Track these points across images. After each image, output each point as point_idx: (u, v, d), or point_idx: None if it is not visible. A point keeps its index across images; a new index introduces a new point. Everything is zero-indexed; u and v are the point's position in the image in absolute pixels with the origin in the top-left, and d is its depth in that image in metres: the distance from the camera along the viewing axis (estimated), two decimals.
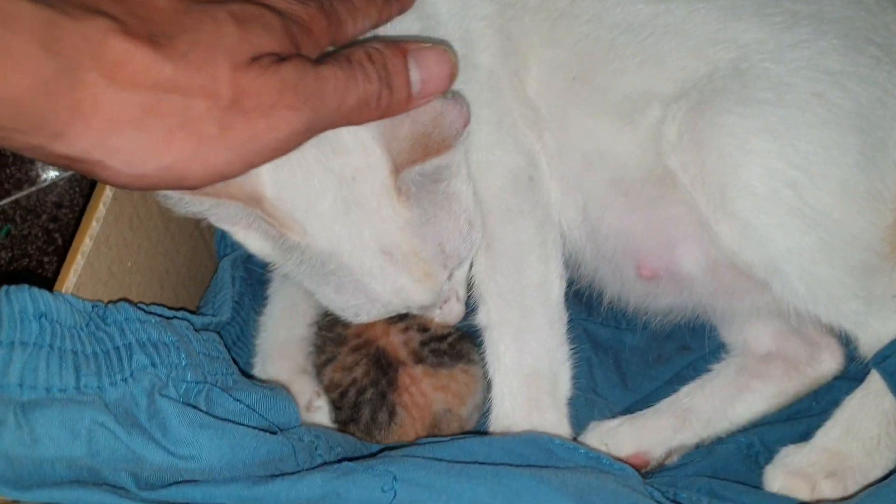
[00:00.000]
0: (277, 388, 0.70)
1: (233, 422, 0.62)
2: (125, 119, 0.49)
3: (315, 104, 0.54)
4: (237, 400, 0.63)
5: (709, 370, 0.87)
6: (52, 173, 1.30)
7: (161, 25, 0.50)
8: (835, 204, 0.74)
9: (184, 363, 0.63)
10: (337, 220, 0.70)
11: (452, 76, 0.64)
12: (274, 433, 0.64)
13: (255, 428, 0.62)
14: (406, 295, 0.73)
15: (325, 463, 0.66)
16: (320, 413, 0.83)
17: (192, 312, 0.78)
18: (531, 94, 0.83)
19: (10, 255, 1.18)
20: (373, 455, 0.69)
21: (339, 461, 0.65)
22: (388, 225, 0.70)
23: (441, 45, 0.65)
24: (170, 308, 0.74)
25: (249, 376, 0.78)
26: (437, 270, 0.73)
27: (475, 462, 0.65)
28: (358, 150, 0.69)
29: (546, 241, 0.81)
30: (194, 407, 0.61)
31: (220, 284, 0.86)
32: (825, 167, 0.74)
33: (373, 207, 0.70)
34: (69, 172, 1.28)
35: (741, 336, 0.90)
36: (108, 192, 0.72)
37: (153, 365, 0.61)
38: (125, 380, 0.59)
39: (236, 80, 0.51)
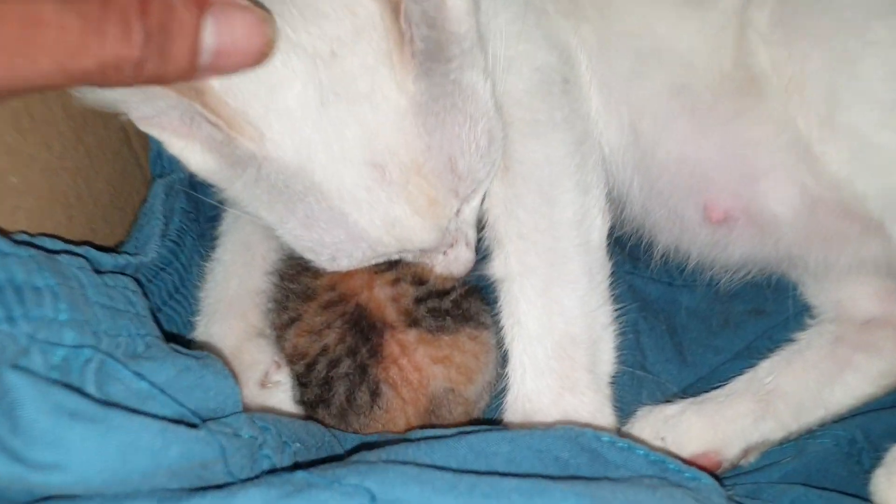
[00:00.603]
0: (210, 357, 0.49)
1: (131, 410, 0.41)
2: None
3: (14, 59, 0.37)
4: (140, 376, 0.42)
5: (791, 340, 0.69)
6: None
7: None
8: None
9: (63, 318, 0.43)
10: (307, 117, 0.52)
11: (262, 54, 0.46)
12: (194, 425, 0.43)
13: (165, 419, 0.41)
14: (401, 231, 0.56)
15: (274, 470, 0.46)
16: (279, 392, 0.62)
17: (107, 250, 0.58)
18: None
19: None
20: (346, 455, 0.48)
21: (294, 468, 0.44)
22: (383, 116, 0.52)
23: (259, 9, 0.46)
24: (84, 244, 0.53)
25: (183, 342, 0.56)
26: (444, 197, 0.56)
27: (491, 472, 0.44)
28: (340, 9, 0.51)
29: (585, 164, 0.63)
30: (74, 388, 0.40)
31: (149, 214, 0.65)
32: None
33: (363, 92, 0.52)
34: None
35: (835, 296, 0.71)
36: None
37: (10, 319, 0.40)
38: None
39: None
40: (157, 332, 0.50)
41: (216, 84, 0.50)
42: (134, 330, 0.48)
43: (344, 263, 0.58)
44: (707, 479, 0.51)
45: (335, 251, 0.57)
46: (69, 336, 0.42)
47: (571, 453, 0.49)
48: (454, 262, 0.63)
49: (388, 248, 0.57)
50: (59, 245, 0.50)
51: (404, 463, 0.44)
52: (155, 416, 0.41)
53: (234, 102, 0.50)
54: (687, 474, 0.50)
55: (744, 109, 0.62)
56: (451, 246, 0.62)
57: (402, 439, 0.51)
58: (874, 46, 0.57)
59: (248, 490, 0.40)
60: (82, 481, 0.38)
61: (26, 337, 0.40)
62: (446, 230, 0.59)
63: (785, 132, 0.61)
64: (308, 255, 0.58)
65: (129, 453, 0.39)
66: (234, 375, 0.50)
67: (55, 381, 0.40)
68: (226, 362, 0.61)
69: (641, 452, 0.51)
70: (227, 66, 0.45)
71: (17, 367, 0.39)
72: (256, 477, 0.44)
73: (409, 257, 0.63)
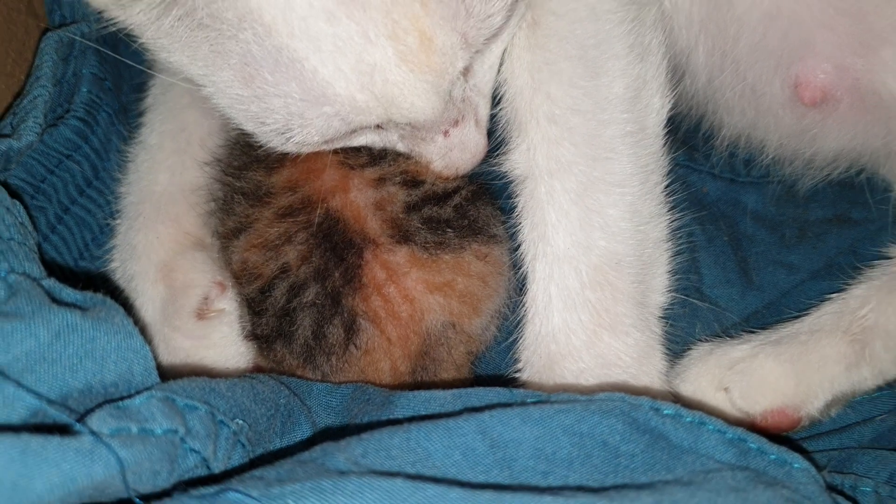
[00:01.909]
0: (105, 308, 0.34)
1: None
2: None
3: None
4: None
5: (887, 258, 0.54)
6: None
7: None
8: None
9: None
10: None
11: None
12: (69, 430, 0.28)
13: (21, 427, 0.27)
14: (383, 88, 0.42)
15: (198, 480, 0.31)
16: (222, 324, 0.50)
17: None
18: None
19: None
20: (301, 444, 0.34)
21: (224, 477, 0.30)
22: None
23: None
24: None
25: (73, 277, 0.41)
26: (446, 37, 0.42)
27: (520, 487, 0.30)
28: None
29: (642, 20, 0.49)
30: None
31: (34, 79, 0.48)
32: None
33: None
34: None
35: None
36: None
37: None
38: None
39: None
40: (31, 264, 0.35)
41: None
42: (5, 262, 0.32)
43: (300, 139, 0.44)
44: (800, 463, 0.39)
45: (287, 119, 0.43)
46: None
47: (623, 436, 0.37)
48: (459, 150, 0.49)
49: (365, 116, 0.43)
50: None
51: (388, 474, 0.29)
52: (6, 427, 0.26)
53: None
54: (772, 456, 0.39)
55: None
56: (456, 124, 0.48)
57: (386, 421, 0.36)
58: None
59: None
60: None
61: None
62: (450, 96, 0.45)
63: None
64: (250, 127, 0.45)
65: None
66: (144, 329, 0.35)
67: None
68: (142, 292, 0.48)
69: (713, 428, 0.38)
70: None
71: None
72: (172, 492, 0.29)
73: (395, 141, 0.49)
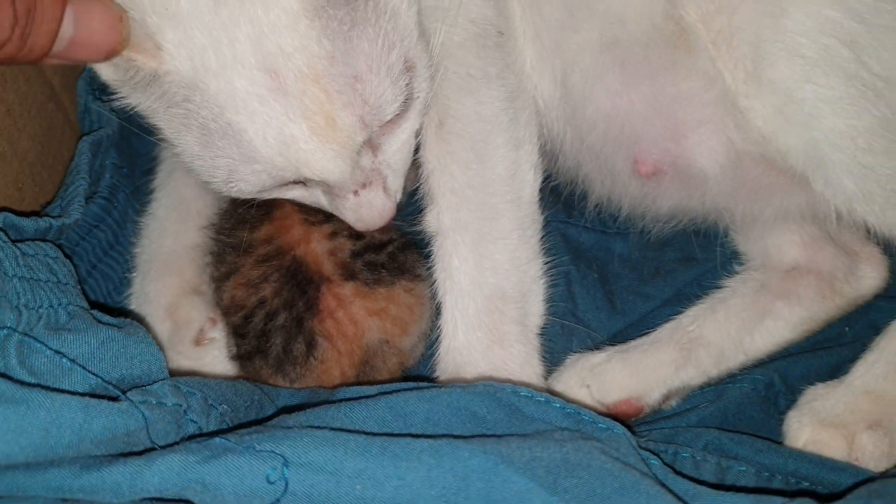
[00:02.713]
0: (131, 325, 0.50)
1: (52, 389, 0.42)
2: None
3: None
4: (57, 352, 0.43)
5: (719, 288, 0.71)
6: None
7: None
8: None
9: None
10: (200, 21, 0.50)
11: (113, 52, 0.49)
12: (115, 398, 0.44)
13: (86, 395, 0.43)
14: (296, 153, 0.52)
15: (197, 435, 0.47)
16: (214, 349, 0.64)
17: (33, 214, 0.58)
18: None
19: None
20: (267, 419, 0.50)
21: (213, 434, 0.46)
22: (277, 15, 0.49)
23: (117, 6, 0.48)
24: (2, 212, 0.53)
25: (106, 309, 0.57)
26: (346, 119, 0.52)
27: (408, 434, 0.46)
28: None
29: (518, 120, 0.63)
30: None
31: (73, 173, 0.64)
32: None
33: None
34: None
35: (762, 245, 0.73)
36: None
37: None
38: None
39: None
40: (80, 300, 0.51)
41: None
42: (55, 300, 0.49)
43: (240, 187, 0.55)
44: (619, 429, 0.53)
45: (230, 173, 0.54)
46: None
47: (489, 409, 0.51)
48: (367, 208, 0.59)
49: (284, 171, 0.54)
50: None
51: (320, 427, 0.45)
52: (77, 393, 0.42)
53: (134, 12, 0.49)
54: (601, 425, 0.52)
55: (673, 64, 0.62)
56: (364, 186, 0.58)
57: (324, 401, 0.52)
58: (800, 1, 0.57)
59: (167, 456, 0.42)
60: (4, 457, 0.39)
61: None
62: (356, 165, 0.55)
63: (712, 87, 0.61)
64: (205, 178, 0.56)
65: (51, 429, 0.40)
66: (159, 343, 0.51)
67: None
68: (149, 324, 0.63)
69: (558, 405, 0.53)
70: (78, 56, 0.48)
71: None
72: (177, 443, 0.45)
73: (320, 196, 0.60)
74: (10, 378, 0.41)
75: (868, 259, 0.71)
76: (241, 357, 0.64)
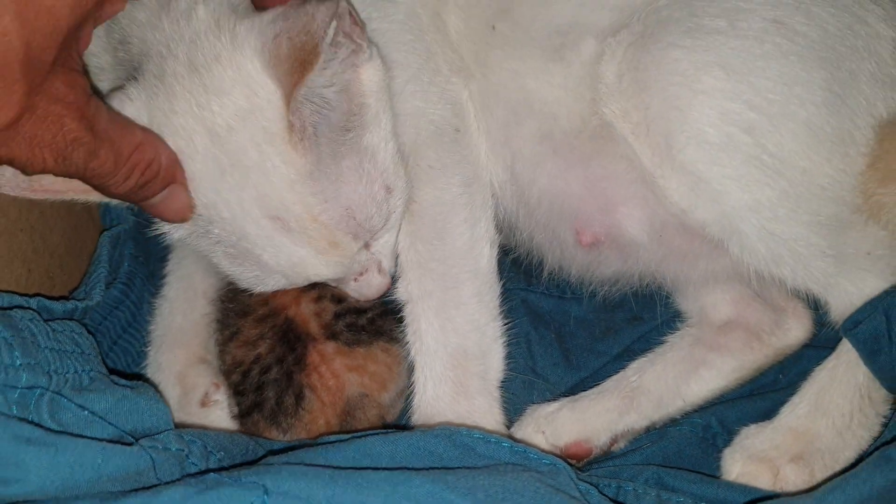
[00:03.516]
0: (143, 386, 0.60)
1: (76, 435, 0.51)
2: None
3: (71, 167, 0.53)
4: (81, 407, 0.53)
5: (662, 343, 0.80)
6: None
7: None
8: (799, 150, 0.66)
9: (17, 363, 0.53)
10: (211, 183, 0.61)
11: (172, 222, 0.65)
12: (130, 444, 0.53)
13: (104, 440, 0.52)
14: (305, 268, 0.64)
15: (197, 473, 0.56)
16: (217, 409, 0.73)
17: (62, 299, 0.68)
18: (453, 39, 0.74)
19: None
20: (257, 461, 0.59)
21: (206, 472, 0.55)
22: (274, 181, 0.60)
23: (191, 200, 0.62)
24: (39, 296, 0.63)
25: (121, 374, 0.67)
26: (344, 240, 0.63)
27: (376, 467, 0.55)
28: (240, 87, 0.59)
29: (473, 202, 0.72)
30: (29, 421, 0.51)
31: (95, 262, 0.75)
32: (787, 107, 0.66)
33: (254, 161, 0.60)
34: None
35: (697, 304, 0.81)
36: None
37: None
38: None
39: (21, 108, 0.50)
40: (100, 367, 0.61)
41: None
42: (79, 367, 0.58)
43: (263, 289, 0.67)
44: (561, 466, 0.61)
45: (254, 280, 0.66)
46: (24, 377, 0.53)
47: (445, 448, 0.59)
48: (365, 287, 0.69)
49: (297, 280, 0.66)
50: (11, 301, 0.61)
51: (296, 464, 0.54)
52: (97, 439, 0.52)
53: None
54: (545, 461, 0.61)
55: (600, 150, 0.70)
56: (363, 273, 0.69)
57: (305, 444, 0.61)
58: (702, 95, 0.65)
59: (170, 489, 0.51)
60: (39, 490, 0.49)
61: None
62: (351, 264, 0.66)
63: (634, 169, 0.69)
64: (237, 282, 0.68)
65: (76, 467, 0.50)
66: (165, 401, 0.61)
67: (14, 416, 0.50)
68: (162, 389, 0.72)
69: (507, 445, 0.61)
70: (153, 213, 0.63)
71: None
72: (177, 480, 0.54)
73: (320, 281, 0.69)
74: (42, 427, 0.51)
75: (793, 313, 0.78)
76: (241, 415, 0.74)
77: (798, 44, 0.66)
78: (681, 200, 0.68)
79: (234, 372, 0.75)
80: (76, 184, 0.59)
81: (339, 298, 0.76)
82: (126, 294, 0.78)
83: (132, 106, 0.60)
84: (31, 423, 0.51)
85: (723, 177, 0.66)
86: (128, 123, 0.58)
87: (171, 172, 0.60)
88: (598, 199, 0.72)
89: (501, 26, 0.72)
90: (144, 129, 0.59)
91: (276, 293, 0.74)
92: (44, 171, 0.52)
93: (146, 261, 0.83)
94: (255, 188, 0.60)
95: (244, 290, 0.73)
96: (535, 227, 0.76)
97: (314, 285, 0.74)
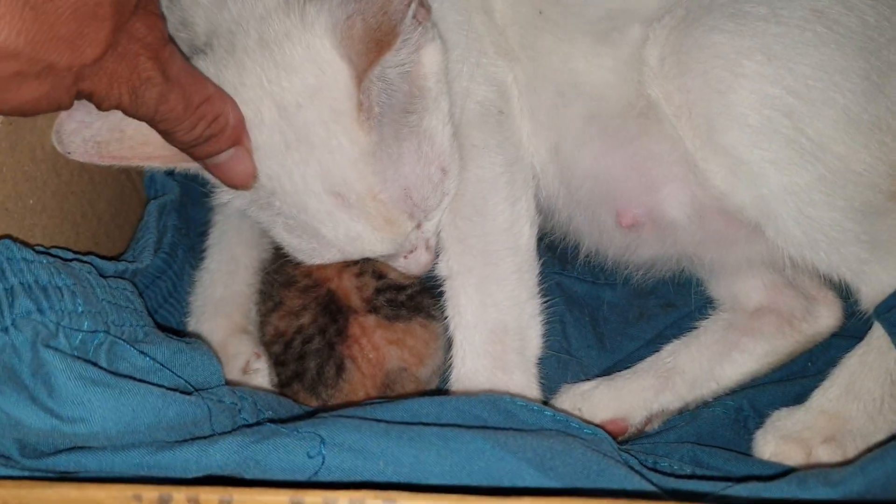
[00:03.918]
0: (196, 342, 0.61)
1: (137, 379, 0.52)
2: None
3: (142, 107, 0.56)
4: (144, 354, 0.54)
5: (694, 328, 0.80)
6: None
7: None
8: (836, 136, 0.67)
9: (80, 310, 0.54)
10: (276, 156, 0.63)
11: (234, 185, 0.65)
12: (188, 393, 0.54)
13: (164, 387, 0.53)
14: (361, 244, 0.67)
15: (247, 426, 0.57)
16: (259, 376, 0.74)
17: (109, 259, 0.70)
18: (499, 23, 0.76)
19: None
20: (306, 416, 0.60)
21: (261, 423, 0.56)
22: (338, 158, 0.62)
23: (254, 167, 0.64)
24: (89, 255, 0.65)
25: (172, 332, 0.68)
26: (400, 218, 0.66)
27: (420, 423, 0.55)
28: (309, 65, 0.61)
29: (514, 180, 0.73)
30: (91, 363, 0.52)
31: (143, 229, 0.77)
32: (826, 93, 0.67)
33: (320, 138, 0.62)
34: None
35: (730, 290, 0.82)
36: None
37: (40, 311, 0.52)
38: (5, 329, 0.51)
39: (107, 45, 0.52)
40: (152, 323, 0.62)
41: None
42: (134, 321, 0.60)
43: (318, 261, 0.69)
44: (602, 434, 0.62)
45: (310, 253, 0.68)
46: (86, 323, 0.54)
47: (490, 413, 0.60)
48: (413, 263, 0.72)
49: (353, 254, 0.68)
50: (70, 255, 0.62)
51: (350, 417, 0.55)
52: (156, 385, 0.53)
53: None
54: (586, 430, 0.62)
55: (645, 131, 0.72)
56: (412, 251, 0.71)
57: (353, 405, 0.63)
58: (743, 79, 0.66)
59: (227, 438, 0.52)
60: (102, 432, 0.50)
61: (54, 324, 0.52)
62: (404, 241, 0.68)
63: (677, 150, 0.70)
64: (292, 252, 0.70)
65: (137, 411, 0.51)
66: (217, 357, 0.62)
67: (79, 358, 0.52)
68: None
69: (549, 413, 0.62)
70: (215, 173, 0.64)
71: (49, 346, 0.50)
72: (233, 431, 0.55)
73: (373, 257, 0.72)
74: (105, 370, 0.52)
75: (824, 301, 0.80)
76: (281, 384, 0.75)
77: (837, 33, 0.68)
78: (720, 183, 0.69)
79: (275, 343, 0.76)
80: (140, 150, 0.62)
81: (379, 274, 0.77)
82: (168, 264, 0.79)
83: None
84: (96, 365, 0.52)
85: (762, 160, 0.67)
86: (200, 76, 0.60)
87: (237, 132, 0.61)
88: (642, 179, 0.73)
89: (550, 11, 0.74)
90: (216, 86, 0.60)
91: (319, 267, 0.76)
92: (118, 107, 0.54)
93: (188, 234, 0.84)
94: (318, 164, 0.62)
95: (289, 262, 0.75)
96: (575, 209, 0.77)
97: (355, 260, 0.76)
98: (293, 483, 0.48)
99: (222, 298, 0.79)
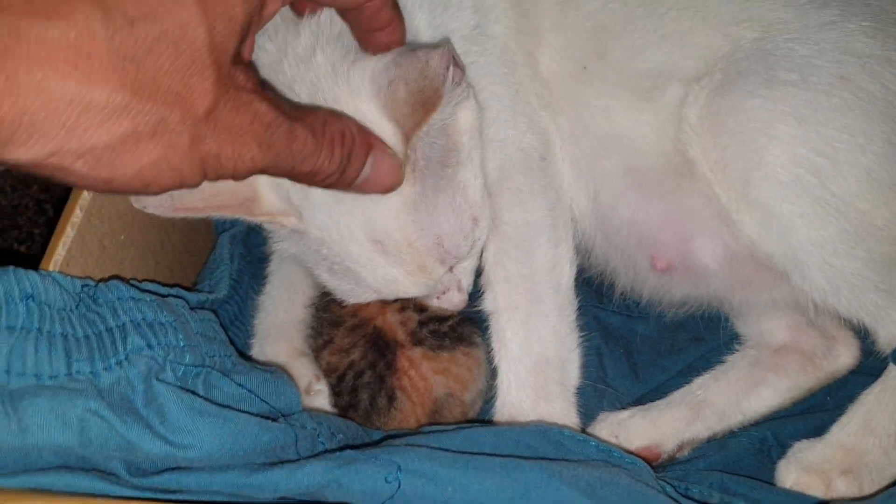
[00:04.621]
0: (277, 372, 0.67)
1: (233, 408, 0.59)
2: (91, 124, 0.45)
3: (277, 154, 0.53)
4: (238, 384, 0.60)
5: (722, 362, 0.86)
6: None
7: None
8: (859, 193, 0.72)
9: (181, 344, 0.60)
10: (327, 209, 0.68)
11: (390, 189, 0.64)
12: (275, 419, 0.61)
13: (255, 415, 0.59)
14: (397, 286, 0.72)
15: (328, 451, 0.63)
16: (320, 397, 0.81)
17: (187, 289, 0.76)
18: (544, 76, 0.81)
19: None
20: (376, 443, 0.67)
21: (341, 448, 0.62)
22: (382, 209, 0.68)
23: (398, 157, 0.64)
24: (164, 285, 0.71)
25: (247, 358, 0.74)
26: (432, 265, 0.71)
27: (482, 453, 0.62)
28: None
29: (557, 224, 0.79)
30: (192, 392, 0.58)
31: (218, 260, 0.83)
32: (850, 154, 0.72)
33: None
34: None
35: (756, 328, 0.88)
36: None
37: (149, 347, 0.58)
38: (119, 363, 0.56)
39: (216, 96, 0.49)
40: (235, 353, 0.69)
41: (264, 189, 0.69)
42: (223, 352, 0.66)
43: (355, 300, 0.75)
44: (642, 464, 0.68)
45: (350, 293, 0.74)
46: (187, 357, 0.60)
47: (540, 443, 0.66)
48: (446, 303, 0.78)
49: (389, 296, 0.73)
50: (163, 290, 0.68)
51: (421, 446, 0.62)
52: (250, 413, 0.59)
53: (281, 193, 0.69)
54: (627, 460, 0.68)
55: (680, 186, 0.77)
56: (445, 292, 0.77)
57: (416, 432, 0.69)
58: (776, 140, 0.72)
59: (312, 462, 0.58)
60: (207, 456, 0.56)
61: (162, 359, 0.58)
62: (436, 285, 0.73)
63: (711, 204, 0.76)
64: (333, 292, 0.76)
65: (237, 438, 0.57)
66: (297, 385, 0.68)
67: (183, 389, 0.58)
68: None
69: (594, 444, 0.68)
70: (368, 189, 0.63)
71: (160, 379, 0.57)
72: (316, 455, 0.61)
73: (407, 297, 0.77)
74: (205, 399, 0.58)
75: (843, 342, 0.85)
76: (337, 408, 0.81)
77: (862, 99, 0.73)
78: (752, 233, 0.74)
79: (329, 376, 0.82)
80: (211, 200, 0.66)
81: (421, 308, 0.83)
82: (235, 290, 0.85)
83: None
84: (197, 394, 0.58)
85: (791, 213, 0.72)
86: (303, 105, 0.60)
87: (365, 137, 0.61)
88: (677, 230, 0.78)
89: (594, 67, 0.79)
90: (318, 106, 0.62)
91: (363, 306, 0.82)
92: (252, 167, 0.52)
93: (252, 261, 0.90)
94: (363, 214, 0.68)
95: (336, 302, 0.80)
96: (611, 251, 0.83)
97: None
98: None
99: (283, 323, 0.85)
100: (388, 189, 0.64)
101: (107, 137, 0.46)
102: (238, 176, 0.53)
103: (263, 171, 0.54)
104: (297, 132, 0.54)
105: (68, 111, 0.44)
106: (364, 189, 0.62)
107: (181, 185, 0.51)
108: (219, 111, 0.50)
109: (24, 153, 0.45)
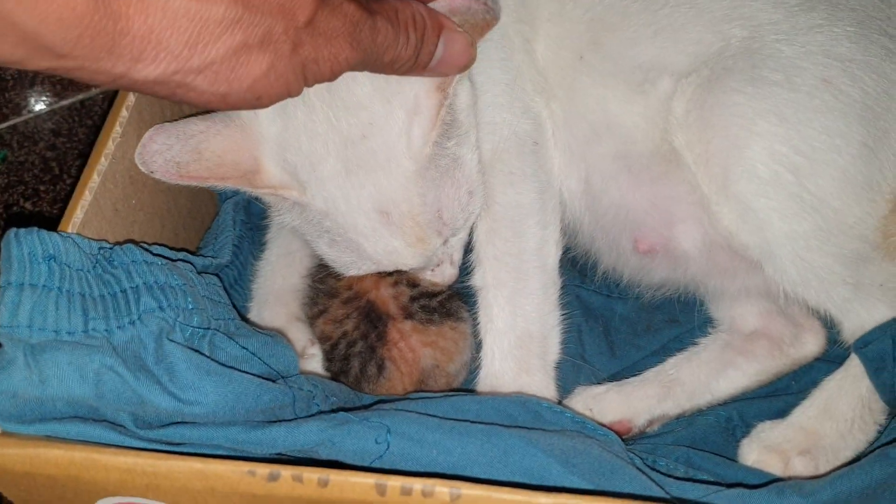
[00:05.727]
0: (277, 336, 0.71)
1: (236, 369, 0.63)
2: (210, 39, 0.49)
3: (366, 48, 0.56)
4: (241, 346, 0.64)
5: (695, 343, 0.90)
6: (49, 101, 1.28)
7: None
8: (833, 192, 0.76)
9: (190, 307, 0.64)
10: (336, 182, 0.71)
11: (465, 67, 0.66)
12: (275, 381, 0.65)
13: (257, 375, 0.64)
14: (396, 257, 0.74)
15: (322, 412, 0.68)
16: (313, 361, 0.85)
17: (191, 253, 0.79)
18: (540, 63, 0.84)
19: (5, 181, 1.17)
20: (366, 407, 0.71)
21: (335, 411, 0.67)
22: (393, 179, 0.70)
23: (468, 36, 0.65)
24: (170, 248, 0.74)
25: (248, 321, 0.78)
26: (430, 236, 0.73)
27: (466, 420, 0.66)
28: (378, 101, 0.68)
29: (546, 207, 0.82)
30: (198, 352, 0.62)
31: (222, 226, 0.86)
32: (828, 154, 0.76)
33: (381, 162, 0.70)
34: (68, 101, 1.27)
35: (729, 313, 0.92)
36: (117, 129, 0.72)
37: (160, 308, 0.62)
38: (133, 323, 0.60)
39: (316, 4, 0.53)
40: (238, 317, 0.73)
41: (269, 162, 0.71)
42: (227, 315, 0.70)
43: (355, 272, 0.77)
44: (614, 437, 0.73)
45: (349, 265, 0.76)
46: (195, 319, 0.64)
47: (520, 412, 0.71)
48: (440, 276, 0.81)
49: (387, 267, 0.76)
50: (172, 254, 0.72)
51: (409, 412, 0.66)
52: (252, 374, 0.64)
53: (287, 168, 0.70)
54: (600, 432, 0.72)
55: (667, 173, 0.80)
56: (439, 265, 0.80)
57: (404, 398, 0.73)
58: (757, 136, 0.75)
59: (309, 422, 0.62)
60: (212, 413, 0.60)
61: (172, 320, 0.62)
62: (432, 257, 0.76)
63: (694, 193, 0.79)
64: (331, 264, 0.78)
65: (240, 397, 0.61)
66: (294, 349, 0.72)
67: (191, 349, 0.62)
68: None
69: (569, 415, 0.73)
70: (443, 71, 0.64)
71: (170, 339, 0.61)
72: (312, 416, 0.66)
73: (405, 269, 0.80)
74: (211, 359, 0.63)
75: (811, 330, 0.90)
76: (329, 373, 0.85)
77: (842, 101, 0.76)
78: (730, 225, 0.78)
79: (322, 343, 0.86)
80: (216, 171, 0.69)
81: (413, 283, 0.86)
82: (236, 255, 0.89)
83: (267, 115, 0.69)
84: (203, 354, 0.62)
85: (767, 208, 0.75)
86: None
87: (435, 19, 0.62)
88: (661, 215, 0.82)
89: (590, 57, 0.82)
90: None
91: (359, 280, 0.85)
92: (346, 66, 0.56)
93: (253, 228, 0.94)
94: (374, 186, 0.70)
95: (333, 275, 0.84)
96: (597, 232, 0.86)
97: (391, 272, 0.85)
98: (377, 469, 0.58)
99: (281, 289, 0.89)
100: (463, 68, 0.66)
101: (223, 51, 0.49)
102: (334, 77, 0.56)
103: (353, 69, 0.57)
104: (379, 25, 0.56)
105: (190, 28, 0.48)
106: (440, 70, 0.64)
107: (287, 94, 0.55)
108: (317, 18, 0.53)
109: (152, 71, 0.48)
